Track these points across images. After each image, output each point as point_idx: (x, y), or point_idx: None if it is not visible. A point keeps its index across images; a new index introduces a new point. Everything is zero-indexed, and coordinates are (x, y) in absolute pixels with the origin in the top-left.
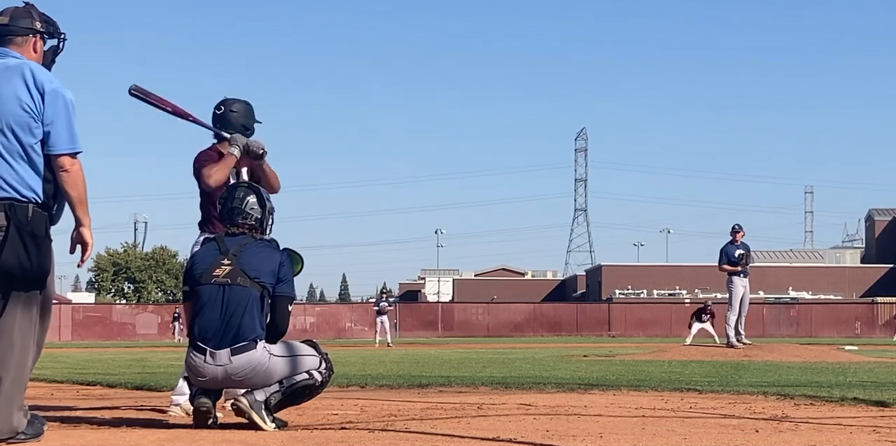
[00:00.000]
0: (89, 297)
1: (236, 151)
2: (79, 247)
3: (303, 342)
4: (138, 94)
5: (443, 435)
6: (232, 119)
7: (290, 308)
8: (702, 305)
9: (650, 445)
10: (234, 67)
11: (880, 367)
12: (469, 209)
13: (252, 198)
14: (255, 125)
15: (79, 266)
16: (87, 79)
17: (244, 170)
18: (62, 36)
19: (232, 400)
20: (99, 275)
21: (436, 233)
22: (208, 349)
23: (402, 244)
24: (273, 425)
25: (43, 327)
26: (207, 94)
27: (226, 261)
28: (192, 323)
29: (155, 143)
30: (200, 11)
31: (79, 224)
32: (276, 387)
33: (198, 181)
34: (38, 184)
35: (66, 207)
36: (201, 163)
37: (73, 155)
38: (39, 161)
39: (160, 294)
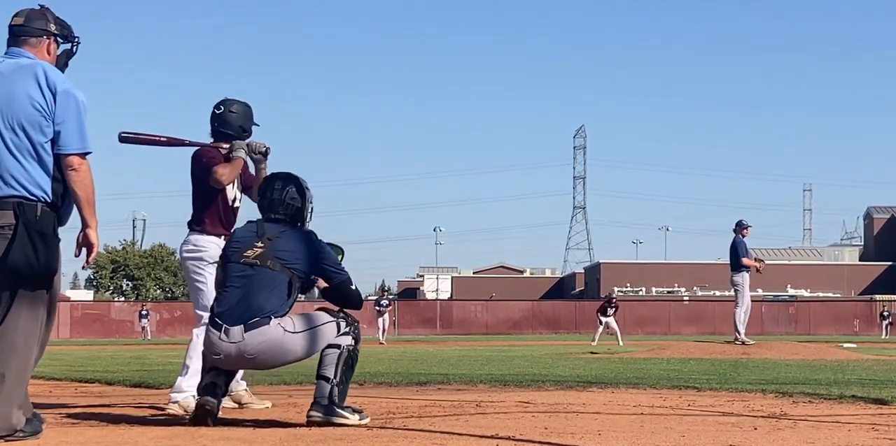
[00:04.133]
0: (88, 295)
1: (242, 154)
2: (84, 248)
3: (318, 309)
4: (129, 137)
5: (441, 432)
6: (231, 119)
7: (353, 287)
8: (606, 299)
9: (648, 443)
10: (233, 65)
11: (879, 365)
12: (467, 206)
13: (292, 189)
14: (253, 128)
15: (84, 267)
16: (87, 78)
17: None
18: (76, 39)
19: (307, 418)
20: (97, 272)
21: (434, 230)
22: (224, 325)
23: (401, 242)
24: (357, 417)
25: (48, 326)
26: (205, 92)
27: (259, 244)
28: (215, 298)
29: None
30: (199, 11)
31: (85, 225)
32: (326, 386)
33: (202, 177)
34: (47, 183)
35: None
36: (209, 160)
37: (83, 155)
38: (49, 160)
39: (159, 291)
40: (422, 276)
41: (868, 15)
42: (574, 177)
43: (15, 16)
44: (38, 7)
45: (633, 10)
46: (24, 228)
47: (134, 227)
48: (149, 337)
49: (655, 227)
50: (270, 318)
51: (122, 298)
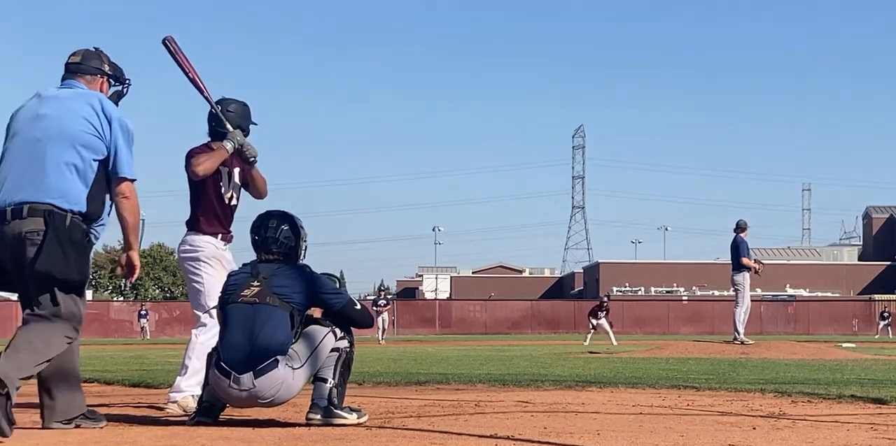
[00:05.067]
0: (86, 294)
1: (230, 146)
2: (126, 269)
3: (309, 322)
4: (170, 46)
5: (440, 432)
6: (228, 119)
7: (357, 307)
8: (598, 302)
9: (647, 442)
10: (232, 64)
11: (877, 365)
12: (466, 206)
13: (286, 227)
14: (251, 127)
15: (126, 285)
16: None
17: (236, 171)
18: (128, 81)
19: (307, 420)
20: (96, 272)
21: (433, 230)
22: (233, 373)
23: (400, 241)
24: (355, 415)
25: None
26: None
27: (255, 283)
28: (218, 341)
29: (152, 141)
30: (199, 11)
31: (128, 248)
32: (325, 387)
33: (187, 171)
34: (83, 198)
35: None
36: (193, 153)
37: (132, 182)
38: (91, 177)
39: (157, 291)
40: (421, 276)
41: (867, 15)
42: (573, 177)
43: (72, 55)
44: (93, 49)
45: (633, 10)
46: (54, 234)
47: None
48: (148, 337)
49: (654, 227)
50: (278, 361)
51: (121, 298)
